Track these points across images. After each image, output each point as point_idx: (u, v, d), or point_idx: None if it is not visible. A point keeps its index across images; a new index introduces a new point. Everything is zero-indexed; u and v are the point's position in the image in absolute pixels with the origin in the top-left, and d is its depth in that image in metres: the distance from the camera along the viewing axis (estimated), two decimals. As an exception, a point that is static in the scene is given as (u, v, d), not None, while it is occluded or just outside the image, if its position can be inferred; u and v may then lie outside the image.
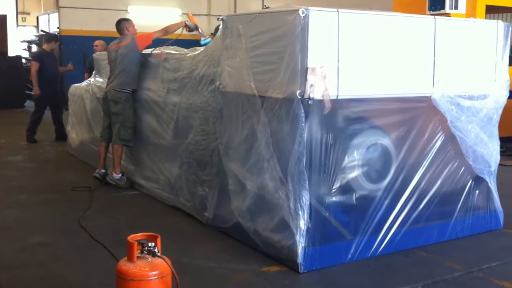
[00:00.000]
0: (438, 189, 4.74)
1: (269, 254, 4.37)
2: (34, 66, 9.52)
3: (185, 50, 5.95)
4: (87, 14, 14.70)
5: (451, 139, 4.74)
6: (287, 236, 4.14)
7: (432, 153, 4.66)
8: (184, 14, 16.74)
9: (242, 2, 17.47)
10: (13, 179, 7.07)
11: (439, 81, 4.63)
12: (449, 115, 4.65)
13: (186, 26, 6.56)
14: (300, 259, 4.07)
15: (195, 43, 6.28)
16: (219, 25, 4.98)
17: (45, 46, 9.94)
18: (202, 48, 5.44)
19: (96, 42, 9.57)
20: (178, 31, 6.63)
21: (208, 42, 6.01)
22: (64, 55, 14.10)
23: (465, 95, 4.78)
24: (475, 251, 4.71)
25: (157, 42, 6.60)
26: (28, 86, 15.90)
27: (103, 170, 6.84)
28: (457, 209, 4.91)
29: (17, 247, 4.68)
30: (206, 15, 17.15)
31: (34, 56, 9.93)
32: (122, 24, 6.84)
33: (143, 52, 6.55)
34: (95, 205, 5.86)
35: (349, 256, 4.31)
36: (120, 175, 6.60)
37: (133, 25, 6.88)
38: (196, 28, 6.53)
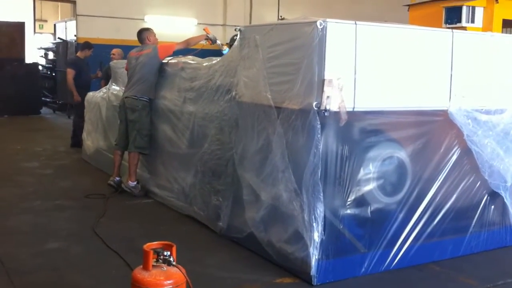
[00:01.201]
0: (453, 203, 4.70)
1: (282, 265, 4.36)
2: (71, 73, 9.62)
3: (201, 59, 6.01)
4: (104, 23, 14.84)
5: (467, 153, 4.71)
6: (301, 248, 4.13)
7: (447, 167, 4.63)
8: (200, 24, 16.84)
9: (257, 12, 17.55)
10: (29, 185, 7.12)
11: (456, 95, 4.61)
12: (466, 129, 4.63)
13: (208, 39, 6.81)
14: (313, 271, 4.05)
15: (211, 53, 6.36)
16: (234, 35, 5.03)
17: (79, 54, 10.12)
18: (218, 58, 5.47)
19: (113, 51, 9.66)
20: (202, 42, 6.94)
21: (227, 52, 6.13)
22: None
23: (482, 109, 4.76)
24: (490, 267, 4.66)
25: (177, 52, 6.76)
26: (44, 93, 16.10)
27: (117, 178, 6.88)
28: (472, 224, 4.87)
29: (32, 252, 4.72)
30: (221, 25, 17.23)
31: (70, 63, 10.01)
32: (144, 33, 6.96)
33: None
34: (109, 212, 5.89)
35: (363, 269, 4.28)
36: (135, 183, 6.63)
37: (154, 35, 6.99)
38: (216, 40, 6.82)
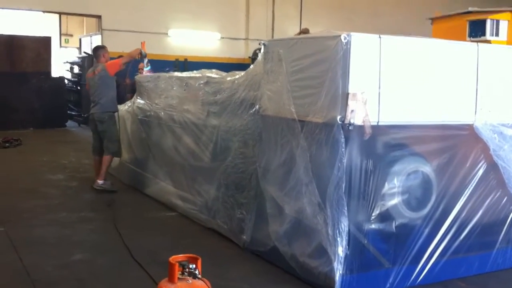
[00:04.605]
0: (480, 219, 4.63)
1: (305, 280, 4.34)
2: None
3: (224, 73, 6.08)
4: (128, 37, 15.01)
5: (493, 168, 4.65)
6: (325, 262, 4.10)
7: (473, 182, 4.57)
8: (223, 38, 17.00)
9: (279, 26, 17.63)
10: (54, 197, 7.21)
11: (482, 109, 4.57)
12: (492, 143, 4.57)
13: (139, 53, 7.82)
14: (337, 286, 4.02)
15: (234, 67, 6.47)
16: (257, 49, 5.08)
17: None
18: (242, 72, 5.50)
19: (141, 65, 9.78)
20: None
21: (149, 69, 8.15)
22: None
23: (508, 123, 4.69)
24: (518, 284, 4.58)
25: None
26: (69, 107, 16.31)
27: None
28: (499, 240, 4.79)
29: (57, 263, 4.76)
30: (244, 39, 17.36)
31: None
32: (99, 51, 7.79)
33: (185, 75, 6.83)
34: (132, 224, 5.93)
35: (387, 285, 4.24)
36: (103, 181, 7.42)
37: (108, 53, 7.83)
38: (145, 56, 7.92)
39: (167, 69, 10.69)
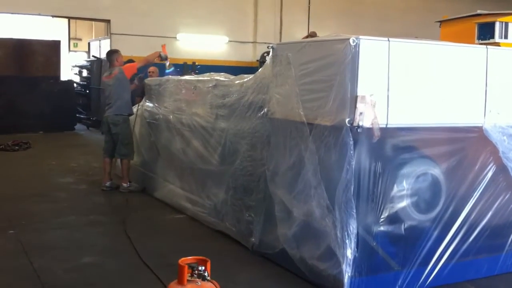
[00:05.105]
0: (489, 221, 4.62)
1: (314, 282, 4.34)
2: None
3: (232, 76, 6.10)
4: (137, 41, 15.10)
5: (502, 170, 4.63)
6: (333, 265, 4.11)
7: (483, 184, 4.56)
8: (231, 41, 17.05)
9: (287, 30, 17.65)
10: (64, 201, 7.25)
11: (491, 111, 4.56)
12: (501, 145, 4.56)
13: (159, 56, 8.00)
14: (346, 288, 4.02)
15: (242, 70, 6.51)
16: (264, 53, 5.11)
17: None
18: (251, 76, 5.52)
19: (151, 69, 9.84)
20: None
21: (171, 71, 8.53)
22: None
23: (517, 126, 4.69)
24: (528, 286, 4.57)
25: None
26: (78, 110, 16.41)
27: (108, 183, 7.70)
28: (508, 243, 4.79)
29: (67, 266, 4.79)
30: (252, 42, 17.38)
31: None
32: (113, 55, 7.92)
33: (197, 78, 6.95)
34: (141, 227, 5.96)
35: (396, 287, 4.23)
36: (128, 184, 7.60)
37: (121, 56, 7.95)
38: (166, 58, 8.12)
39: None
